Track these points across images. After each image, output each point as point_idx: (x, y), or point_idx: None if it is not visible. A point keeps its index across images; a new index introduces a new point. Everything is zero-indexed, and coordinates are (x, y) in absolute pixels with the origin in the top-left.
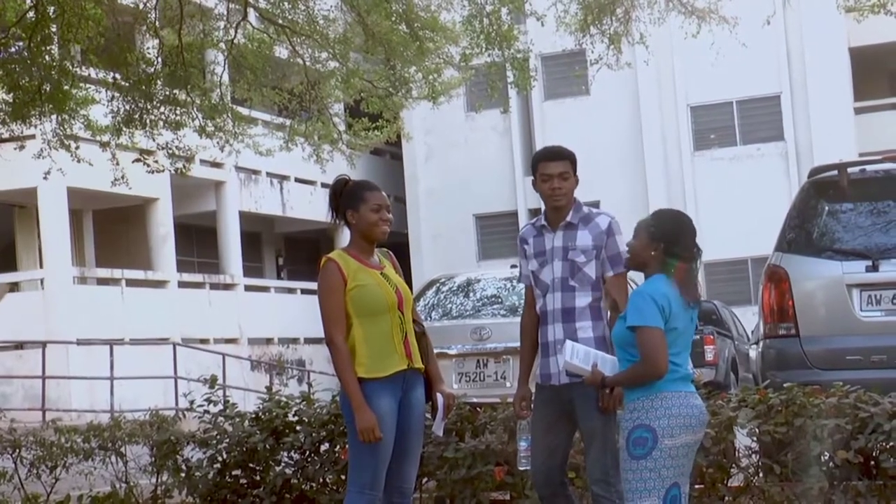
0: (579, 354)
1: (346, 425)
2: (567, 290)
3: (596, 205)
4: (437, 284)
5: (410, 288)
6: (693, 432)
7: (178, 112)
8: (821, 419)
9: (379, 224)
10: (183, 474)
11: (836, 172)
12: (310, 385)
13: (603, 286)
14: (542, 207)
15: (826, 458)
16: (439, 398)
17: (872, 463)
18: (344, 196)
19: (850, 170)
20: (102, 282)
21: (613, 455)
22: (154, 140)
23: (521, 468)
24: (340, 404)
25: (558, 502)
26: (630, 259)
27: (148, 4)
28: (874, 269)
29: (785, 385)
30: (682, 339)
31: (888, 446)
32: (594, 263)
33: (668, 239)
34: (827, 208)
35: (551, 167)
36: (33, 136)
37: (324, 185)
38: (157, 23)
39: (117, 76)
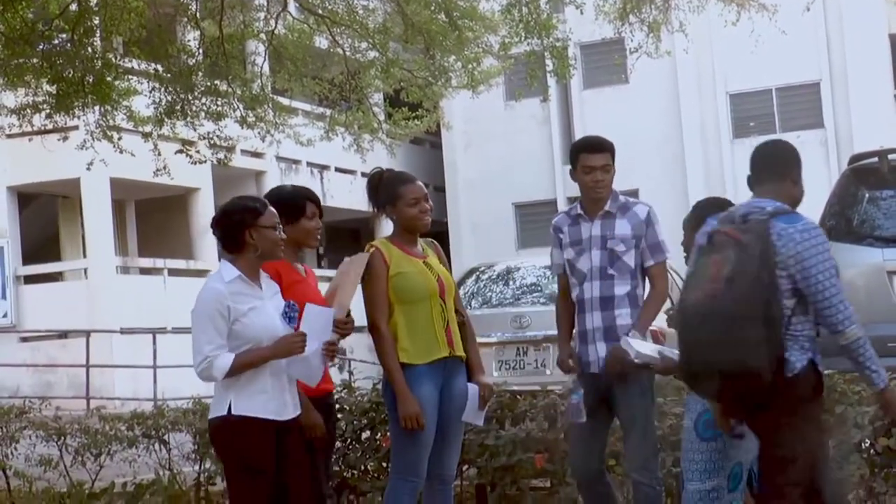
0: (642, 346)
1: (388, 412)
2: (606, 278)
3: (635, 193)
4: (477, 273)
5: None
6: None
7: (219, 103)
8: (862, 406)
9: (419, 216)
10: None
11: (876, 159)
12: (350, 373)
13: (643, 275)
14: (579, 196)
15: (867, 445)
16: (472, 388)
17: None
18: (381, 190)
19: (890, 157)
20: (145, 271)
21: (653, 442)
22: (195, 130)
23: (575, 420)
24: (382, 391)
25: (597, 489)
26: (687, 259)
27: None
28: None
29: (826, 372)
30: None
31: None
32: (633, 252)
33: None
34: (867, 195)
35: (594, 159)
36: (76, 128)
37: (363, 175)
38: (197, 14)
39: (159, 67)
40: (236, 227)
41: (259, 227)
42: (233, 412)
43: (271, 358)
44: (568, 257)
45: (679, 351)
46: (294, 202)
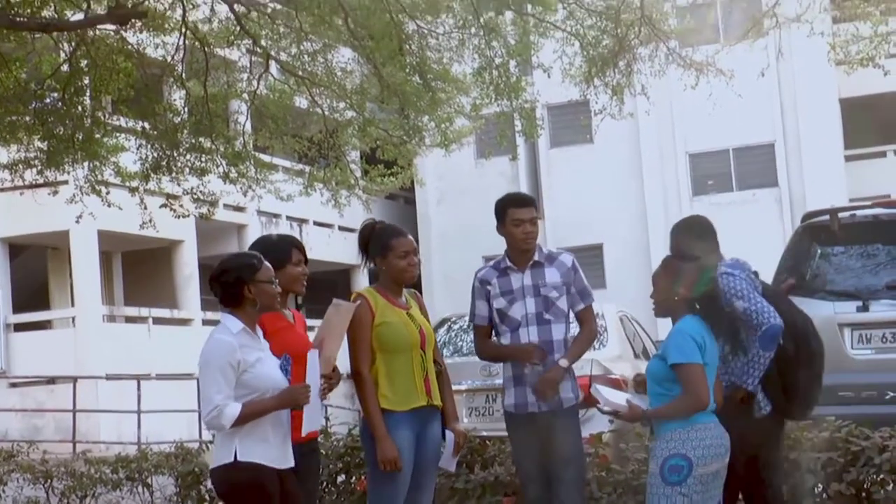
0: (611, 394)
1: (366, 456)
2: (543, 323)
3: (599, 248)
4: (449, 323)
5: None
6: (722, 460)
7: (203, 159)
8: (814, 452)
9: (407, 269)
10: None
11: (827, 217)
12: (327, 419)
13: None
14: (505, 249)
15: (820, 489)
16: (449, 435)
17: (864, 495)
18: (372, 242)
19: (841, 215)
20: (130, 320)
21: (583, 480)
22: (180, 185)
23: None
24: (361, 435)
25: None
26: (657, 310)
27: (175, 57)
28: (864, 309)
29: None
30: (713, 372)
31: (879, 479)
32: (565, 298)
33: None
34: (819, 251)
35: (522, 213)
36: (66, 182)
37: (341, 228)
38: (183, 75)
39: (146, 125)
40: (236, 283)
41: (257, 282)
42: (239, 459)
43: (277, 408)
44: (498, 307)
45: (801, 387)
46: (280, 249)
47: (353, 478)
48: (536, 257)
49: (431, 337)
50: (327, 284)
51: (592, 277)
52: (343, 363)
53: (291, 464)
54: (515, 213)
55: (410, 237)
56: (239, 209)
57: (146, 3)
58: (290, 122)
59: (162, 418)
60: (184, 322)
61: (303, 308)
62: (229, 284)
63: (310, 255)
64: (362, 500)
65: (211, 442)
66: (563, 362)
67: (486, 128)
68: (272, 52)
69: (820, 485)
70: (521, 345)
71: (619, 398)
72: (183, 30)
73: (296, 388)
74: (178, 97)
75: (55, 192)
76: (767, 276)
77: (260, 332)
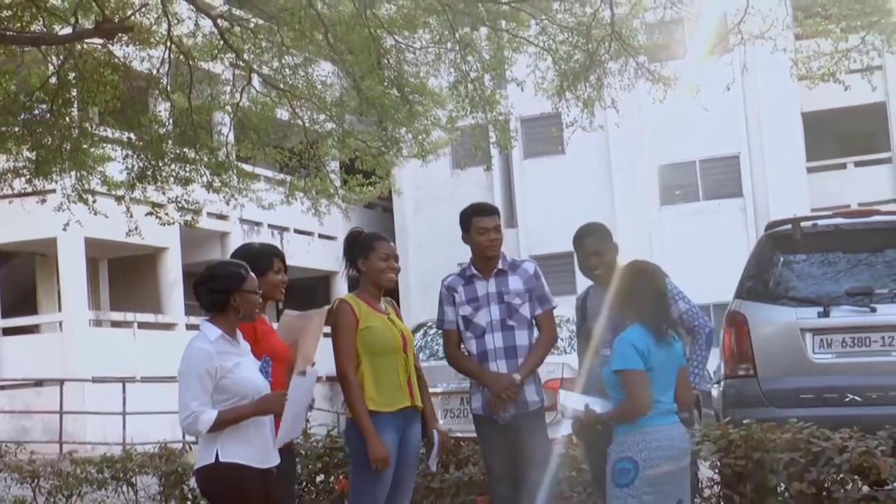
0: (572, 398)
1: (351, 456)
2: (507, 329)
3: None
4: (425, 328)
5: None
6: (675, 461)
7: (187, 169)
8: (777, 453)
9: (386, 271)
10: (189, 503)
11: (790, 226)
12: (307, 420)
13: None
14: (470, 257)
15: (782, 489)
16: (435, 436)
17: (824, 494)
18: (357, 245)
19: (803, 224)
20: (116, 324)
21: (553, 479)
22: (165, 194)
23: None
24: (346, 435)
25: None
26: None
27: (160, 70)
28: (825, 315)
29: (744, 421)
30: (664, 376)
31: (839, 478)
32: (528, 305)
33: (628, 295)
34: (782, 259)
35: (487, 221)
36: (54, 191)
37: (321, 236)
38: (168, 87)
39: (132, 136)
40: (223, 291)
41: (243, 292)
42: (220, 459)
43: (254, 415)
44: (464, 314)
45: None
46: (262, 257)
47: (332, 477)
48: (500, 265)
49: (412, 341)
50: (308, 290)
51: (563, 283)
52: (326, 366)
53: (274, 463)
54: (480, 221)
55: (392, 244)
56: (222, 217)
57: (132, 17)
58: (271, 134)
59: (146, 420)
60: (168, 326)
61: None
62: (216, 291)
63: (290, 262)
64: (341, 499)
65: (195, 443)
66: (516, 376)
67: (461, 139)
68: (254, 66)
69: (782, 484)
70: (501, 379)
71: (579, 402)
72: (168, 44)
73: (271, 396)
74: (163, 109)
75: (43, 201)
76: (732, 283)
77: (240, 337)
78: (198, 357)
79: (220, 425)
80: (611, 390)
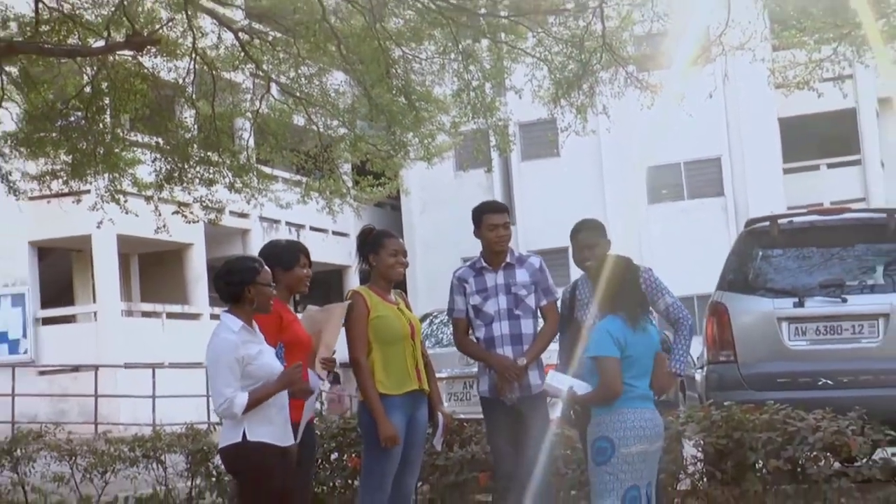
0: (558, 379)
1: (363, 436)
2: (513, 318)
3: (565, 251)
4: (431, 317)
5: None
6: (649, 442)
7: (210, 171)
8: (755, 433)
9: (395, 266)
10: (214, 479)
11: (768, 223)
12: (322, 403)
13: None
14: (480, 251)
15: (760, 465)
16: (440, 418)
17: (799, 470)
18: (368, 242)
19: (780, 221)
20: (146, 315)
21: (551, 457)
22: (190, 194)
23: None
24: (358, 417)
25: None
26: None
27: (186, 80)
28: (800, 305)
29: (725, 403)
30: (640, 363)
31: (812, 455)
32: (533, 296)
33: (610, 290)
34: (760, 254)
35: (496, 218)
36: (88, 192)
37: (335, 233)
38: (193, 96)
39: (160, 140)
40: (238, 284)
41: (257, 284)
42: (248, 439)
43: (279, 390)
44: (474, 303)
45: None
46: (288, 253)
47: (345, 455)
48: (508, 259)
49: (419, 330)
50: (322, 284)
51: (559, 276)
52: (341, 353)
53: (293, 441)
54: (490, 218)
55: (402, 241)
56: (243, 215)
57: (160, 31)
58: (288, 138)
59: (174, 402)
60: (194, 316)
61: (300, 305)
62: (233, 284)
63: None
64: (354, 475)
65: (218, 424)
66: (522, 361)
67: (464, 143)
68: (273, 76)
69: (760, 461)
70: (505, 360)
71: (562, 383)
72: (193, 55)
73: (290, 369)
74: (188, 115)
75: (79, 201)
76: (714, 275)
77: (256, 327)
78: (225, 347)
79: (250, 406)
80: (589, 375)
